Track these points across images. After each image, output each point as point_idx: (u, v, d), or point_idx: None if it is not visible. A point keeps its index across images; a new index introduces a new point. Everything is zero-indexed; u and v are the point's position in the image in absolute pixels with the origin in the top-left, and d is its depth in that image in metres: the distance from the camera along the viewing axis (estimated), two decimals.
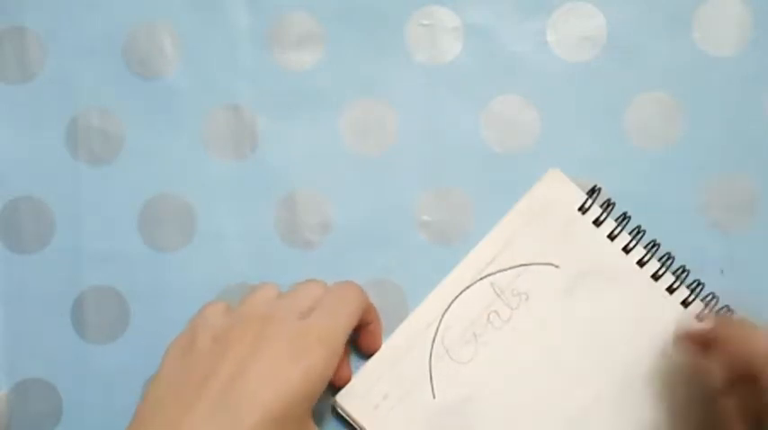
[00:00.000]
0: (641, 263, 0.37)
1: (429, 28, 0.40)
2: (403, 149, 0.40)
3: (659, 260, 0.37)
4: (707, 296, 0.37)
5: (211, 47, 0.40)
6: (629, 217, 0.38)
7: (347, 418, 0.37)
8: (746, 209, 0.39)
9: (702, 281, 0.37)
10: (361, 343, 0.38)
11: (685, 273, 0.37)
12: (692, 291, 0.37)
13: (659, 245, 0.38)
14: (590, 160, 0.39)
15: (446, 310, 0.38)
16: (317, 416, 0.38)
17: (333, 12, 0.40)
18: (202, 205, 0.40)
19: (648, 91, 0.39)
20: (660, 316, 0.37)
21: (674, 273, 0.37)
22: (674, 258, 0.38)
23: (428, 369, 0.37)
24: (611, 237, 0.38)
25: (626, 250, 0.37)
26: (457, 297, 0.38)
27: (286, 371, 0.31)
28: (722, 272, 0.38)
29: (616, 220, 0.38)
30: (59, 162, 0.40)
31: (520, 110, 0.39)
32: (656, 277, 0.37)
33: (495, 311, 0.38)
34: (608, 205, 0.38)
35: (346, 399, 0.37)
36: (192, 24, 0.40)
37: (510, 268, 0.38)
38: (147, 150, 0.40)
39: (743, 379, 0.30)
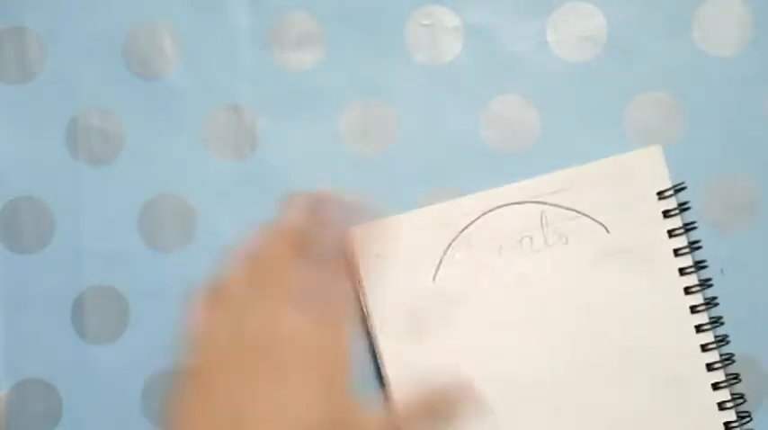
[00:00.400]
0: (682, 271, 0.37)
1: (429, 28, 0.40)
2: (403, 149, 0.40)
3: (700, 280, 0.38)
4: (710, 300, 0.38)
5: (211, 47, 0.40)
6: (696, 227, 0.38)
7: (347, 253, 0.38)
8: (746, 209, 0.39)
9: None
10: None
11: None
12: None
13: (707, 266, 0.38)
14: (590, 160, 0.39)
15: (489, 211, 0.38)
16: None
17: (333, 12, 0.40)
18: (202, 205, 0.40)
19: (648, 91, 0.39)
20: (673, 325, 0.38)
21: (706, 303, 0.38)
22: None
23: (443, 253, 0.38)
24: (671, 234, 0.38)
25: (676, 253, 0.38)
26: (506, 205, 0.38)
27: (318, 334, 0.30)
28: (722, 272, 0.38)
29: (684, 224, 0.38)
30: (59, 162, 0.40)
31: (520, 110, 0.39)
32: (687, 291, 0.37)
33: (531, 238, 0.38)
34: (684, 206, 0.38)
35: (358, 235, 0.38)
36: (192, 24, 0.40)
37: (567, 208, 0.38)
38: (147, 150, 0.40)
39: None
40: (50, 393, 0.40)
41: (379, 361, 0.38)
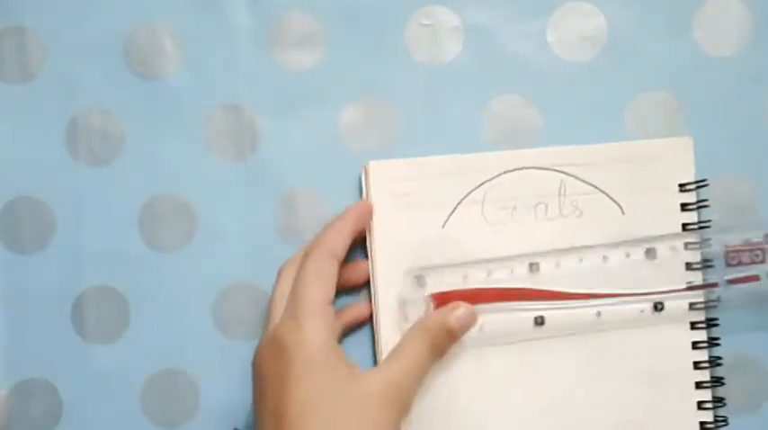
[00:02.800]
0: (688, 266, 0.38)
1: (429, 28, 0.40)
2: (403, 149, 0.40)
3: (704, 279, 0.38)
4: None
5: (211, 47, 0.40)
6: (710, 226, 0.38)
7: (362, 184, 0.38)
8: (746, 209, 0.39)
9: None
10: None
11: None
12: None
13: (713, 266, 0.38)
14: None
15: (510, 171, 0.38)
16: None
17: (333, 12, 0.40)
18: (202, 205, 0.40)
19: (648, 91, 0.39)
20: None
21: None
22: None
23: (457, 203, 0.38)
24: (685, 227, 0.38)
25: (686, 247, 0.37)
26: (527, 168, 0.38)
27: None
28: None
29: (699, 221, 0.38)
30: (59, 162, 0.40)
31: (520, 110, 0.39)
32: (689, 287, 0.38)
33: (546, 205, 0.38)
34: (703, 202, 0.38)
35: (375, 170, 0.38)
36: (192, 24, 0.40)
37: (587, 183, 0.38)
38: (147, 150, 0.40)
39: None
40: (50, 393, 0.40)
41: (373, 298, 0.38)
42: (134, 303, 0.40)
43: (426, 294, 0.37)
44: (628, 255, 0.38)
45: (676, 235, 0.38)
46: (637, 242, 0.38)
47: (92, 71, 0.40)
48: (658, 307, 0.37)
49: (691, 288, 0.37)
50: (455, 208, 0.38)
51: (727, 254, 0.37)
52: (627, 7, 0.39)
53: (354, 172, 0.39)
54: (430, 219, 0.38)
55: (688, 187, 0.38)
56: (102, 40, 0.40)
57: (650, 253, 0.37)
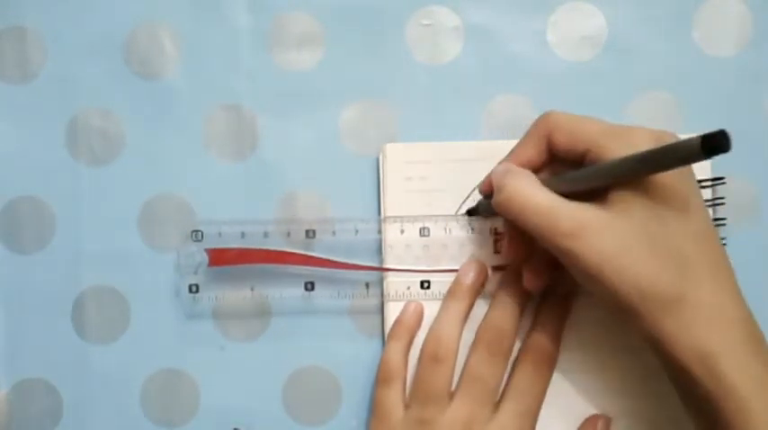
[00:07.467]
0: None
1: (429, 28, 0.40)
2: None
3: None
4: None
5: (211, 47, 0.40)
6: (725, 224, 0.38)
7: (379, 168, 0.39)
8: (746, 209, 0.39)
9: None
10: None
11: None
12: None
13: None
14: None
15: None
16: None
17: (333, 12, 0.40)
18: (202, 205, 0.40)
19: (648, 91, 0.39)
20: None
21: None
22: None
23: (472, 189, 0.38)
24: None
25: None
26: None
27: None
28: None
29: (714, 218, 0.38)
30: (59, 162, 0.40)
31: (520, 110, 0.39)
32: None
33: None
34: (718, 200, 0.38)
35: (392, 153, 0.38)
36: (192, 24, 0.40)
37: None
38: (147, 150, 0.40)
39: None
40: (50, 393, 0.40)
41: (384, 285, 0.38)
42: (134, 303, 0.40)
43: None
44: None
45: None
46: None
47: (92, 71, 0.41)
48: None
49: None
50: (470, 194, 0.38)
51: None
52: (627, 7, 0.39)
53: (354, 172, 0.39)
54: (444, 204, 0.38)
55: (704, 184, 0.38)
56: (102, 40, 0.41)
57: None
